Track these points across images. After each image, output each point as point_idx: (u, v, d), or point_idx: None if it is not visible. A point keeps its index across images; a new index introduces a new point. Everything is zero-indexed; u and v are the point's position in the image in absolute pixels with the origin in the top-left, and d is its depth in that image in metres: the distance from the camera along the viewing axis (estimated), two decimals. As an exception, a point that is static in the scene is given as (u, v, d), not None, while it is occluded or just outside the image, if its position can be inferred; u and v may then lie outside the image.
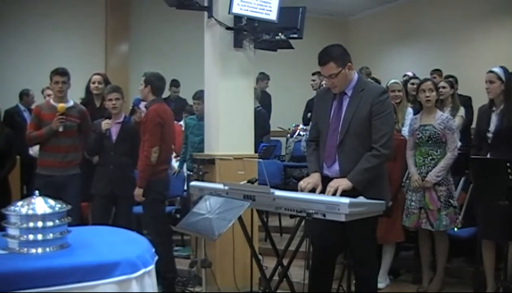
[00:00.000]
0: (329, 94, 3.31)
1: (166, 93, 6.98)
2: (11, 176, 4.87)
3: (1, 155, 4.70)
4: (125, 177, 4.51)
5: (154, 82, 4.44)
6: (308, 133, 3.92)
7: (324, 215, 2.75)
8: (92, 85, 5.21)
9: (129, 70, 8.79)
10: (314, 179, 3.24)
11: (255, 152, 5.03)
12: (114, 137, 4.54)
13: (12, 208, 2.03)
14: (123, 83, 7.44)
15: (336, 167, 3.21)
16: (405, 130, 4.77)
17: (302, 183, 3.22)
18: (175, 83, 8.18)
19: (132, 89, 7.87)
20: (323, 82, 4.66)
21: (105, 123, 4.48)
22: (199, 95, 5.55)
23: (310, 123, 3.66)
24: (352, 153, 3.13)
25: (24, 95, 7.23)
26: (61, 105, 4.44)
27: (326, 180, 3.19)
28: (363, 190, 3.00)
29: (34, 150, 5.15)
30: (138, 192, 4.34)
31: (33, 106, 6.33)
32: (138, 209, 4.79)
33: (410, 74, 6.68)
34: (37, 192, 2.08)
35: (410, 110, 5.13)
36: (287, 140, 7.89)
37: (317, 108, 3.46)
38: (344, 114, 3.19)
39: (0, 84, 7.96)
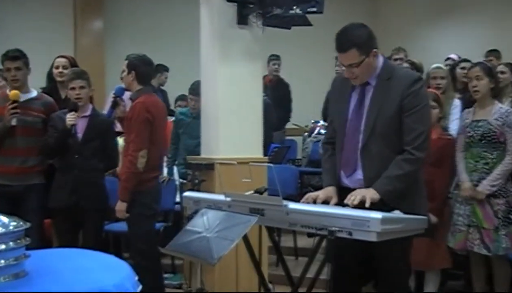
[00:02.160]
0: (347, 83, 3.26)
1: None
2: None
3: None
4: (94, 185, 4.48)
5: (140, 68, 4.39)
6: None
7: (350, 233, 2.71)
8: (55, 71, 5.12)
9: (104, 52, 8.79)
10: (327, 192, 3.22)
11: (264, 154, 5.05)
12: (79, 135, 4.47)
13: None
14: (98, 68, 7.49)
15: (357, 175, 3.18)
16: (452, 128, 4.71)
17: (310, 194, 3.21)
18: (161, 69, 7.94)
19: (110, 75, 7.87)
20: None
21: (69, 118, 4.37)
22: (196, 89, 5.51)
23: (328, 121, 3.61)
24: (379, 157, 3.11)
25: None
26: (13, 92, 4.33)
27: (345, 192, 3.15)
28: (393, 203, 2.97)
29: None
30: (120, 206, 4.31)
31: None
32: (118, 226, 4.76)
33: (454, 57, 6.61)
34: None
35: (457, 102, 5.06)
36: (304, 140, 7.88)
37: (333, 102, 3.41)
38: (367, 110, 3.15)
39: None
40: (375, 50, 3.14)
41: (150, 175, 4.37)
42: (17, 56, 4.43)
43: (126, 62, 4.43)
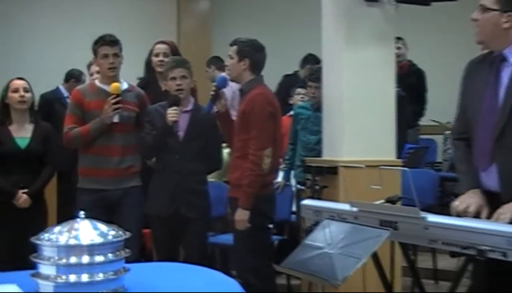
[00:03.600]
0: (484, 65, 3.15)
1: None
2: (46, 190, 4.93)
3: (36, 159, 4.77)
4: (196, 190, 4.55)
5: (254, 55, 4.42)
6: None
7: (504, 254, 2.61)
8: (154, 59, 5.20)
9: (211, 37, 8.91)
10: (475, 198, 3.09)
11: (398, 157, 4.99)
12: (180, 133, 4.55)
13: (47, 235, 2.06)
14: (203, 55, 7.56)
15: (492, 172, 3.07)
16: None
17: (457, 204, 3.09)
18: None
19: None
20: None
21: (171, 113, 4.42)
22: (316, 75, 5.50)
23: (458, 111, 3.49)
24: None
25: (72, 79, 7.26)
26: (114, 85, 4.44)
27: (490, 198, 3.05)
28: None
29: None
30: (242, 215, 4.28)
31: None
32: (225, 238, 4.83)
33: None
34: (82, 212, 2.11)
35: None
36: (445, 140, 7.67)
37: (466, 89, 3.28)
38: (504, 91, 3.03)
39: (34, 62, 8.41)
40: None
41: (269, 177, 4.41)
42: (116, 41, 4.54)
43: (234, 48, 4.43)
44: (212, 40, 8.85)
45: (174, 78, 4.52)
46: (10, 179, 4.61)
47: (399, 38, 7.75)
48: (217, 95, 4.54)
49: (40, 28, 8.72)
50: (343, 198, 4.17)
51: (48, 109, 6.53)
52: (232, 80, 4.63)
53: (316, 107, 5.53)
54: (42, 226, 4.13)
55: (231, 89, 4.96)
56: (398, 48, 7.53)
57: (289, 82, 7.62)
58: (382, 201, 3.47)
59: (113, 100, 4.40)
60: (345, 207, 3.39)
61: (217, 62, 7.36)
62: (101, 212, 4.14)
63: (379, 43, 4.75)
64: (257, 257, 4.39)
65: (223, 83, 4.61)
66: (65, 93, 7.00)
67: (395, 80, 5.02)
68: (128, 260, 2.15)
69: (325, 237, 3.21)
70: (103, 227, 2.10)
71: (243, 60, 4.41)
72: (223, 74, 4.80)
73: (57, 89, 7.18)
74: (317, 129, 5.39)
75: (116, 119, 4.45)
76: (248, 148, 4.29)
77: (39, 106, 5.70)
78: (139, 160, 4.64)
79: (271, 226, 4.56)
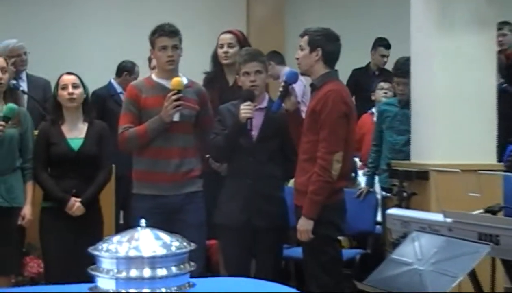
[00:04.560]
0: None
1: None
2: (102, 195, 4.93)
3: (91, 162, 4.76)
4: (271, 197, 4.55)
5: (327, 45, 4.37)
6: None
7: None
8: (219, 51, 5.24)
9: (284, 25, 8.85)
10: None
11: (499, 160, 4.91)
12: (254, 133, 4.54)
13: (105, 245, 2.12)
14: (275, 46, 7.42)
15: None
16: None
17: None
18: None
19: (291, 55, 7.96)
20: None
21: (244, 109, 4.40)
22: (403, 69, 5.44)
23: None
24: None
25: (125, 72, 7.29)
26: (176, 79, 4.44)
27: None
28: None
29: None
30: (305, 225, 4.26)
31: None
32: (299, 251, 4.81)
33: None
34: (143, 221, 2.16)
35: None
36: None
37: None
38: None
39: (86, 54, 8.51)
40: None
41: (340, 184, 4.35)
42: (176, 31, 4.56)
43: (305, 38, 4.40)
44: (285, 29, 8.80)
45: (247, 73, 4.53)
46: (62, 184, 4.62)
47: (504, 23, 7.60)
48: (286, 92, 4.49)
49: (92, 15, 8.83)
50: (435, 207, 4.15)
51: (100, 107, 6.50)
52: (303, 74, 4.62)
53: (404, 103, 5.48)
54: (97, 235, 4.26)
55: (301, 84, 4.92)
56: (503, 34, 7.38)
57: (359, 77, 7.71)
58: (481, 210, 3.44)
59: (174, 97, 4.38)
60: (438, 217, 3.38)
61: (276, 58, 7.35)
62: (160, 221, 4.00)
63: (478, 28, 4.68)
64: (326, 273, 4.35)
65: (293, 78, 4.56)
66: (118, 89, 7.08)
67: (497, 71, 4.95)
68: (192, 274, 2.18)
69: (415, 252, 3.20)
70: (165, 237, 2.15)
71: (315, 51, 4.37)
72: (288, 68, 4.74)
73: (109, 84, 7.22)
74: (405, 128, 5.36)
75: (176, 118, 4.45)
76: (316, 150, 4.25)
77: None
78: (199, 163, 4.66)
79: (340, 238, 4.54)
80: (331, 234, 4.36)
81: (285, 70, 5.84)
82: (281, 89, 4.50)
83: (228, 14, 8.50)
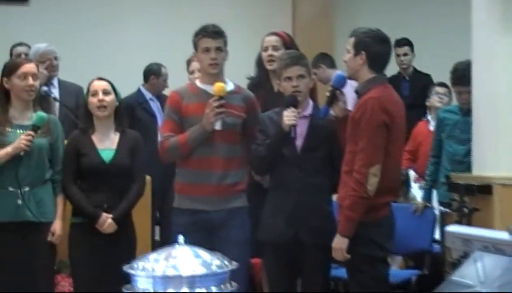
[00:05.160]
0: None
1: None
2: (136, 210, 4.92)
3: (123, 175, 4.75)
4: (320, 212, 4.53)
5: (373, 47, 4.33)
6: None
7: None
8: (264, 54, 5.23)
9: (332, 25, 8.82)
10: None
11: None
12: (299, 142, 4.53)
13: (141, 264, 2.14)
14: (323, 48, 7.41)
15: None
16: None
17: None
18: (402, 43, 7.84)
19: (340, 58, 7.94)
20: None
21: (287, 116, 4.39)
22: (463, 75, 5.38)
23: None
24: None
25: (152, 76, 7.35)
26: (218, 85, 4.44)
27: None
28: None
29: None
30: (340, 243, 4.26)
31: (166, 92, 6.49)
32: (344, 272, 4.79)
33: None
34: (181, 237, 2.18)
35: None
36: None
37: None
38: None
39: (118, 60, 8.57)
40: None
41: (381, 199, 4.29)
42: (220, 32, 4.57)
43: (352, 40, 4.38)
44: (334, 30, 8.77)
45: (289, 78, 4.52)
46: (93, 198, 4.64)
47: None
48: (333, 97, 4.53)
49: (128, 17, 8.97)
50: (499, 224, 4.10)
51: (129, 116, 6.36)
52: (350, 78, 4.58)
53: (466, 111, 5.43)
54: (129, 253, 4.32)
55: (351, 89, 4.85)
56: None
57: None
58: (552, 228, 3.36)
59: (216, 103, 4.40)
60: (503, 235, 3.29)
61: (326, 60, 7.31)
62: (200, 237, 4.09)
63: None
64: None
65: (340, 82, 4.59)
66: (147, 95, 7.19)
67: None
68: (234, 296, 2.17)
69: (477, 273, 3.13)
70: (205, 255, 2.18)
71: (359, 55, 4.35)
72: (339, 72, 4.72)
73: (138, 91, 7.29)
74: (467, 137, 5.33)
75: (218, 126, 4.46)
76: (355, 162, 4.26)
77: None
78: (245, 175, 4.67)
79: (385, 257, 4.47)
80: (371, 253, 4.30)
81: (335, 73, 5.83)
82: (328, 94, 4.52)
83: (272, 14, 8.49)
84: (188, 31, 4.71)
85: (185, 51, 4.77)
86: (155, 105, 7.10)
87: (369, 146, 4.20)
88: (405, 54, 7.76)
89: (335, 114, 4.55)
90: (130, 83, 6.95)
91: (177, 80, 6.02)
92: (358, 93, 4.40)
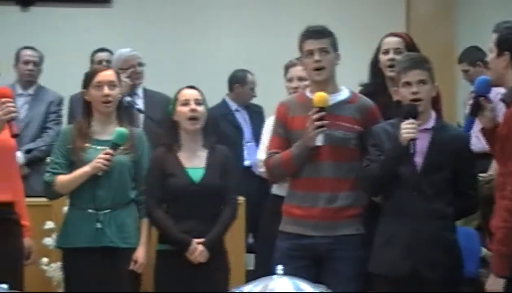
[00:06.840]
0: None
1: None
2: (228, 236, 4.81)
3: (214, 196, 4.62)
4: (442, 242, 4.28)
5: None
6: None
7: None
8: (382, 58, 4.99)
9: (454, 22, 8.67)
10: None
11: None
12: (419, 160, 4.27)
13: None
14: (444, 49, 7.42)
15: None
16: None
17: None
18: None
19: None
20: None
21: (406, 128, 4.17)
22: None
23: None
24: None
25: (236, 84, 7.34)
26: (319, 95, 4.29)
27: None
28: None
29: None
30: (495, 284, 3.96)
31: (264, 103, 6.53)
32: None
33: None
34: (279, 267, 2.14)
35: None
36: None
37: None
38: None
39: (207, 69, 8.39)
40: None
41: None
42: (324, 31, 4.42)
43: (494, 36, 4.08)
44: (456, 27, 8.65)
45: (408, 84, 4.27)
46: (182, 223, 4.53)
47: None
48: (477, 106, 4.22)
49: (220, 21, 8.83)
50: None
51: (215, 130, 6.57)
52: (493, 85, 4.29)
53: None
54: (222, 285, 4.38)
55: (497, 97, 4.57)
56: None
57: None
58: None
59: (315, 116, 4.25)
60: None
61: (471, 56, 6.93)
62: (303, 266, 4.18)
63: None
64: None
65: (482, 87, 4.29)
66: (233, 106, 7.30)
67: None
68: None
69: None
70: (307, 287, 2.22)
71: (502, 55, 4.00)
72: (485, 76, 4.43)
73: (223, 102, 7.35)
74: None
75: (320, 142, 4.29)
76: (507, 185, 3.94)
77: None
78: (361, 199, 4.46)
79: None
80: None
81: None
82: (470, 102, 4.28)
83: (386, 11, 8.52)
84: (288, 34, 4.72)
85: (283, 57, 4.52)
86: (241, 117, 7.19)
87: None
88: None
89: (482, 125, 4.24)
90: (216, 92, 6.91)
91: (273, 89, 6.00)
92: (505, 102, 4.05)
